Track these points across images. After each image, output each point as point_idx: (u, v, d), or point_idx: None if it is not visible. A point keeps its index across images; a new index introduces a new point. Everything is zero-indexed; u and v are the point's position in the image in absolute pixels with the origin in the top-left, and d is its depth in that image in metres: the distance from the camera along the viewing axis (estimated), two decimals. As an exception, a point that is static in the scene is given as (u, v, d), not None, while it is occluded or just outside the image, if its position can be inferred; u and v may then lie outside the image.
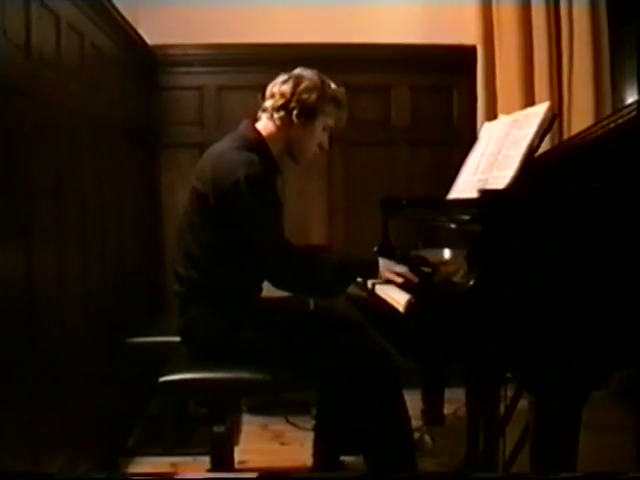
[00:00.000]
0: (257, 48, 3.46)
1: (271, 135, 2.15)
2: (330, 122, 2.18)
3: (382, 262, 2.07)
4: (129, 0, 2.95)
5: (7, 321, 1.80)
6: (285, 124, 2.13)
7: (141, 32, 3.19)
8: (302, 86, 2.11)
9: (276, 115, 2.13)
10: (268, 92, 2.17)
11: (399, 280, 1.95)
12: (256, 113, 2.19)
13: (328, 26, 3.49)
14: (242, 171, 1.97)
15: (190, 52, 3.53)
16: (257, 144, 2.11)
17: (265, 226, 2.00)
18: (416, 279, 1.94)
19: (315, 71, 2.17)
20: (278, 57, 3.44)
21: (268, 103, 2.15)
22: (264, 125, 2.16)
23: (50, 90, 2.12)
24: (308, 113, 2.12)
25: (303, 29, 3.46)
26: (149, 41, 3.32)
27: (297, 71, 2.16)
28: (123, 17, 2.81)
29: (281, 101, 2.12)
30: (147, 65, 3.45)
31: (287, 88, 2.12)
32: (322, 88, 2.13)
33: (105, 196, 2.64)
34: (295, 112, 2.11)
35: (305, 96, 2.10)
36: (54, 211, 2.13)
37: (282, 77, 2.16)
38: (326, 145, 2.23)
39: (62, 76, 2.22)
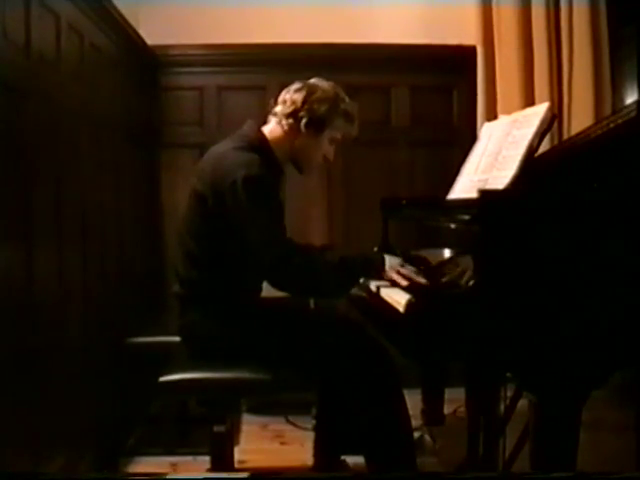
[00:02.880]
0: (257, 48, 3.46)
1: (277, 138, 2.13)
2: (338, 136, 2.16)
3: (388, 259, 2.04)
4: (129, 0, 2.95)
5: (7, 321, 1.80)
6: (292, 131, 2.11)
7: (141, 32, 3.19)
8: (314, 96, 2.09)
9: (285, 122, 2.11)
10: (281, 98, 2.15)
11: (404, 283, 1.92)
12: (257, 112, 2.18)
13: (328, 26, 3.49)
14: (241, 172, 1.95)
15: (190, 52, 3.53)
16: (259, 144, 2.10)
17: (264, 228, 1.97)
18: (423, 282, 1.90)
19: (332, 83, 2.14)
20: (278, 57, 3.46)
21: (278, 109, 2.13)
22: (271, 128, 2.15)
23: (50, 90, 2.12)
24: (317, 124, 2.10)
25: (303, 29, 3.45)
26: (149, 41, 3.32)
27: (312, 81, 2.14)
28: (123, 17, 2.81)
29: (291, 108, 2.09)
30: (147, 65, 3.45)
31: (299, 96, 2.10)
32: (335, 101, 2.10)
33: (105, 196, 2.64)
34: (304, 121, 2.09)
35: (316, 106, 2.08)
36: (54, 211, 2.13)
37: (296, 85, 2.14)
38: (331, 157, 2.20)
39: (62, 76, 2.22)
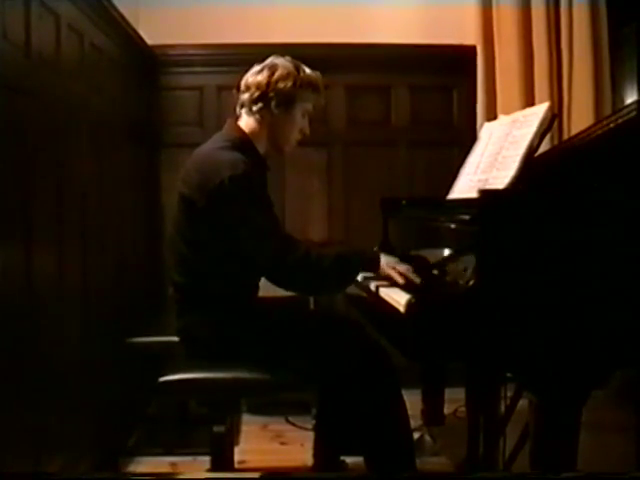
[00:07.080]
0: (257, 48, 3.44)
1: (254, 132, 2.12)
2: (309, 107, 2.15)
3: (384, 258, 2.04)
4: (129, 0, 2.95)
5: (7, 321, 1.80)
6: (265, 116, 2.10)
7: (141, 32, 3.19)
8: (277, 75, 2.08)
9: (255, 108, 2.10)
10: (243, 85, 2.13)
11: (400, 280, 1.93)
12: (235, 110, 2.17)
13: (328, 26, 3.49)
14: (227, 172, 1.94)
15: (190, 52, 3.53)
16: (242, 142, 2.09)
17: (256, 225, 1.96)
18: (418, 280, 1.91)
19: (289, 58, 2.14)
20: (278, 57, 3.45)
21: (245, 96, 2.12)
22: (245, 123, 2.13)
23: (50, 90, 2.12)
24: (286, 101, 2.09)
25: (303, 29, 3.45)
26: (149, 41, 3.32)
27: (270, 60, 2.13)
28: (123, 17, 2.81)
29: (258, 92, 2.08)
30: (147, 65, 3.45)
31: (262, 78, 2.08)
32: (297, 74, 2.09)
33: (105, 196, 2.64)
34: (273, 102, 2.08)
35: (281, 85, 2.07)
36: (54, 211, 2.13)
37: (256, 68, 2.13)
38: (307, 130, 2.19)
39: (62, 76, 2.22)
